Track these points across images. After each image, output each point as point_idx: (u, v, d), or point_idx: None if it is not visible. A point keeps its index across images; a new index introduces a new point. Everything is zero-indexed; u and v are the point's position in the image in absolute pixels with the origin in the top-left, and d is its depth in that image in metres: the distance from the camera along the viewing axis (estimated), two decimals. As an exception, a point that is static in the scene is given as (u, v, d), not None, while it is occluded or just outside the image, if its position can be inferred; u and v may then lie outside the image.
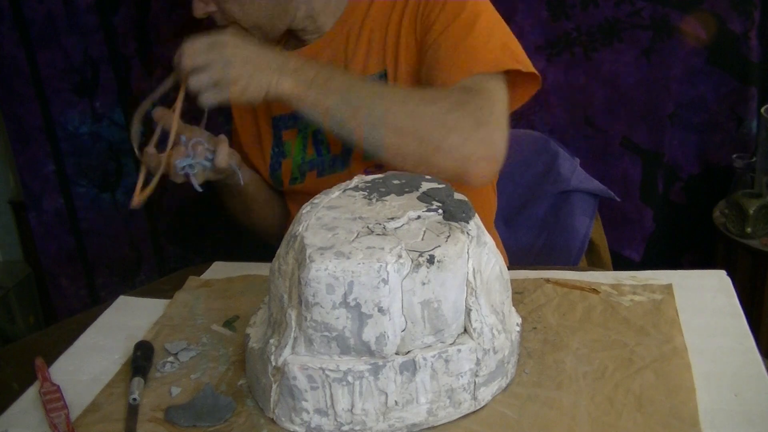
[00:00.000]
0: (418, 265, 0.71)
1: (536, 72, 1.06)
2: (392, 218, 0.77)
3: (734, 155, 1.79)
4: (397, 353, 0.72)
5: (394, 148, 0.97)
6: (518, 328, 0.83)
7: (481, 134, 0.96)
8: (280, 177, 1.22)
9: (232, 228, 1.95)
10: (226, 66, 0.96)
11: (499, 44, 1.05)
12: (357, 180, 0.87)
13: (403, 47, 1.11)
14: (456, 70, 1.01)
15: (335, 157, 1.17)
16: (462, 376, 0.74)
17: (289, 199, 1.27)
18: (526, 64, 1.05)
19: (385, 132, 0.97)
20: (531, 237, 1.43)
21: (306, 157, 1.19)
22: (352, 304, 0.70)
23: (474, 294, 0.75)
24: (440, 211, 0.79)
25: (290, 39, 1.21)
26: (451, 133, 0.95)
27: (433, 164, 0.95)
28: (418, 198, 0.81)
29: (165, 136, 1.05)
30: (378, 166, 1.11)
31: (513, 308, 0.86)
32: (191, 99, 1.05)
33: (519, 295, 0.95)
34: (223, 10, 1.11)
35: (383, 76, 1.12)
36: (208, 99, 0.98)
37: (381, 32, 1.14)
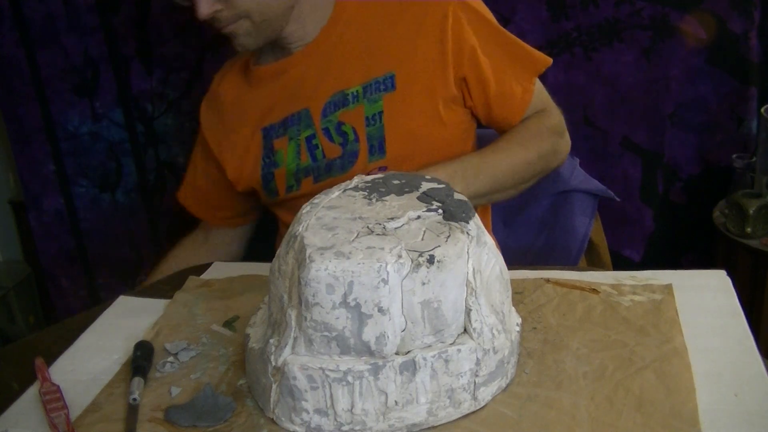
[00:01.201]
0: (418, 265, 0.71)
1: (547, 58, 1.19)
2: (392, 218, 0.77)
3: (734, 155, 1.79)
4: (397, 353, 0.72)
5: (513, 192, 1.19)
6: (518, 328, 0.83)
7: (561, 150, 1.22)
8: (274, 187, 1.21)
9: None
10: None
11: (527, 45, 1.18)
12: (357, 180, 0.87)
13: (421, 52, 1.11)
14: (526, 75, 1.17)
15: (331, 162, 1.17)
16: (462, 376, 0.74)
17: (283, 208, 1.25)
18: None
19: (512, 189, 1.17)
20: (530, 237, 1.43)
21: (301, 164, 1.18)
22: (352, 304, 0.70)
23: (474, 294, 0.75)
24: (440, 211, 0.79)
25: (274, 49, 1.20)
26: (549, 164, 1.20)
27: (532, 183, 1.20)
28: (418, 198, 0.81)
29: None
30: (381, 168, 1.11)
31: (513, 308, 0.86)
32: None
33: (519, 295, 0.95)
34: (234, 4, 1.08)
35: (391, 78, 1.12)
36: None
37: (384, 35, 1.13)
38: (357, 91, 1.14)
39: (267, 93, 1.21)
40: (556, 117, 1.21)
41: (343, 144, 1.16)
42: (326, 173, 1.17)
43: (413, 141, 1.14)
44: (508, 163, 1.14)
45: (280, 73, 1.20)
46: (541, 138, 1.17)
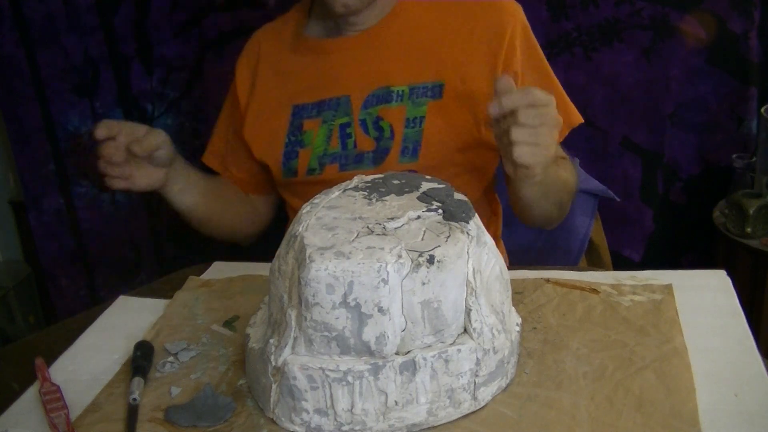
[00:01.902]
0: (418, 265, 0.71)
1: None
2: (392, 218, 0.77)
3: (734, 155, 1.80)
4: (397, 353, 0.72)
5: (545, 219, 1.15)
6: (518, 328, 0.83)
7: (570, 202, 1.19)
8: (294, 167, 1.17)
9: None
10: (551, 132, 0.90)
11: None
12: (357, 180, 0.88)
13: (473, 69, 1.10)
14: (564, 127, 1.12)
15: (362, 154, 1.14)
16: (462, 376, 0.74)
17: (293, 192, 1.22)
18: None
19: (547, 207, 1.11)
20: (531, 237, 1.43)
21: (328, 149, 1.15)
22: (352, 304, 0.70)
23: (474, 294, 0.75)
24: (440, 211, 0.79)
25: (327, 26, 1.18)
26: (567, 205, 1.17)
27: (555, 221, 1.18)
28: (418, 198, 0.81)
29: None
30: (411, 171, 1.09)
31: (513, 308, 0.86)
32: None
33: (519, 295, 0.95)
34: None
35: (440, 87, 1.11)
36: (527, 156, 0.89)
37: (439, 41, 1.12)
38: (403, 90, 1.12)
39: (307, 67, 1.19)
40: (575, 174, 1.20)
41: (377, 139, 1.13)
42: (354, 164, 1.14)
43: (447, 152, 1.12)
44: (564, 180, 1.11)
45: (327, 52, 1.18)
46: (575, 180, 1.17)
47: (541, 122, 0.87)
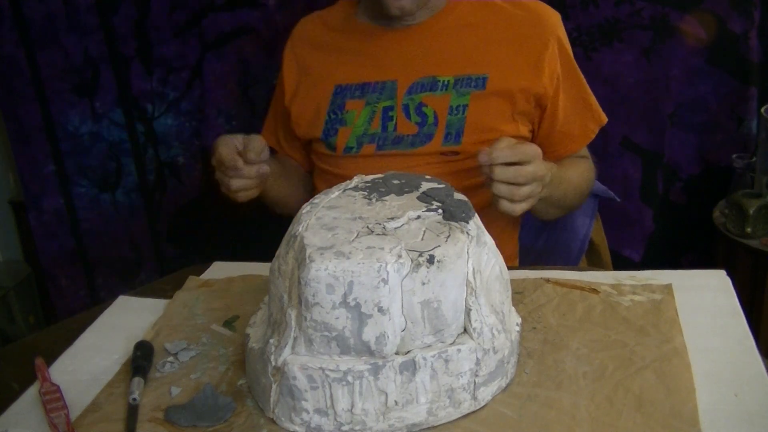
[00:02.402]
0: (418, 265, 0.71)
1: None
2: (392, 218, 0.77)
3: (734, 155, 1.79)
4: (397, 353, 0.72)
5: (552, 218, 1.28)
6: (518, 328, 0.83)
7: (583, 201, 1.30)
8: (334, 143, 1.23)
9: (232, 228, 1.96)
10: (530, 189, 1.01)
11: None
12: (357, 180, 0.88)
13: (517, 67, 1.18)
14: (591, 125, 1.27)
15: (402, 137, 1.20)
16: (462, 376, 0.74)
17: (332, 164, 1.26)
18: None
19: (560, 208, 1.24)
20: (531, 237, 1.43)
21: (369, 130, 1.21)
22: (352, 304, 0.70)
23: (474, 294, 0.75)
24: (440, 211, 0.79)
25: (377, 15, 1.23)
26: (579, 203, 1.28)
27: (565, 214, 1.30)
28: (418, 198, 0.81)
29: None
30: (453, 153, 1.18)
31: (513, 308, 0.86)
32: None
33: (519, 295, 0.95)
34: None
35: (484, 79, 1.18)
36: (505, 207, 1.01)
37: (486, 39, 1.20)
38: (448, 80, 1.20)
39: (353, 49, 1.25)
40: (593, 171, 1.30)
41: (420, 124, 1.19)
42: (393, 145, 1.20)
43: (486, 139, 1.17)
44: (575, 185, 1.21)
45: (377, 37, 1.24)
46: (591, 180, 1.28)
47: (517, 180, 0.98)
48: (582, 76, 1.26)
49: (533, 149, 0.99)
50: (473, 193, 1.03)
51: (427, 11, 1.22)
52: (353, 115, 1.22)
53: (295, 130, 1.29)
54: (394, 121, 1.21)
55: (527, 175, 0.98)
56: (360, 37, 1.25)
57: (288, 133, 1.33)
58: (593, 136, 1.27)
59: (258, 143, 1.08)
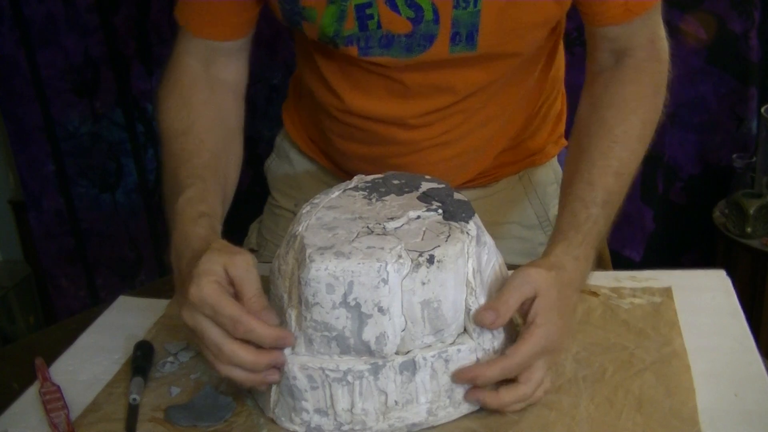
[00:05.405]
0: (418, 265, 0.71)
1: None
2: (392, 218, 0.77)
3: (734, 155, 1.80)
4: (397, 353, 0.72)
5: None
6: (518, 329, 0.83)
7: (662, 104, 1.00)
8: (303, 33, 0.94)
9: (232, 228, 1.94)
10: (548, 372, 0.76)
11: None
12: (357, 180, 0.88)
13: None
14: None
15: (393, 37, 0.88)
16: (462, 376, 0.74)
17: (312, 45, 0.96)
18: None
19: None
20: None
21: (343, 32, 0.89)
22: (352, 303, 0.70)
23: (474, 294, 0.75)
24: (440, 211, 0.79)
25: None
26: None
27: None
28: (418, 198, 0.81)
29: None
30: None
31: (513, 308, 0.85)
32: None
33: (519, 295, 0.95)
34: None
35: None
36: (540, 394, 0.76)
37: None
38: None
39: None
40: (663, 63, 1.00)
41: (414, 21, 0.87)
42: (382, 48, 0.90)
43: (513, 33, 0.89)
44: (614, 202, 0.89)
45: None
46: (647, 135, 0.97)
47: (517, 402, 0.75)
48: None
49: (523, 358, 0.72)
50: None
51: None
52: (314, 14, 0.89)
53: None
54: (375, 20, 0.87)
55: (524, 397, 0.74)
56: None
57: None
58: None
59: (255, 280, 0.73)
